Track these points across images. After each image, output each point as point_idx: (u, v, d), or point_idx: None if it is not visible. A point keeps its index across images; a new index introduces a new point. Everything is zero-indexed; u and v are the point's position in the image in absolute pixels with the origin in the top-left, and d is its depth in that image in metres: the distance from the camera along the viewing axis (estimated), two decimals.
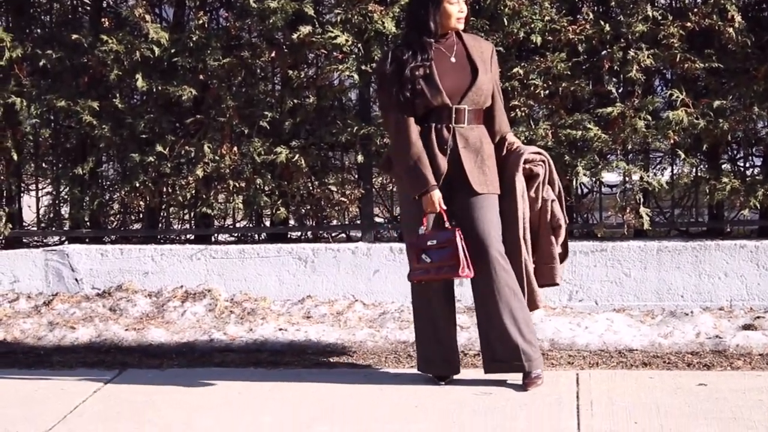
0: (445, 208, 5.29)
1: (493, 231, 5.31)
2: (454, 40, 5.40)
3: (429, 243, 5.28)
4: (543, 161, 5.49)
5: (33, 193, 8.05)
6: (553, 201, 5.51)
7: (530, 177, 5.46)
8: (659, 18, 6.95)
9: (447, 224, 5.28)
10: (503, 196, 5.41)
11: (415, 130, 5.30)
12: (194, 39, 7.39)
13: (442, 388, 5.46)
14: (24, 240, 8.08)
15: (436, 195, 5.26)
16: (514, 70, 7.04)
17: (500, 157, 5.48)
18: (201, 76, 7.42)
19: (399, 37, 7.17)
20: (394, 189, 7.65)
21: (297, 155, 7.33)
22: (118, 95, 7.57)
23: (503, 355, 5.37)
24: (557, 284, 5.63)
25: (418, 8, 5.37)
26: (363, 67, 7.26)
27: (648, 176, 7.10)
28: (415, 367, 5.75)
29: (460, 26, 5.40)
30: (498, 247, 5.30)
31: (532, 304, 5.48)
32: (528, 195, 5.46)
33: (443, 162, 5.31)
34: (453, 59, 5.36)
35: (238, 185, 7.45)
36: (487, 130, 5.46)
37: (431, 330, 5.54)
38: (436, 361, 5.59)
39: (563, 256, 5.62)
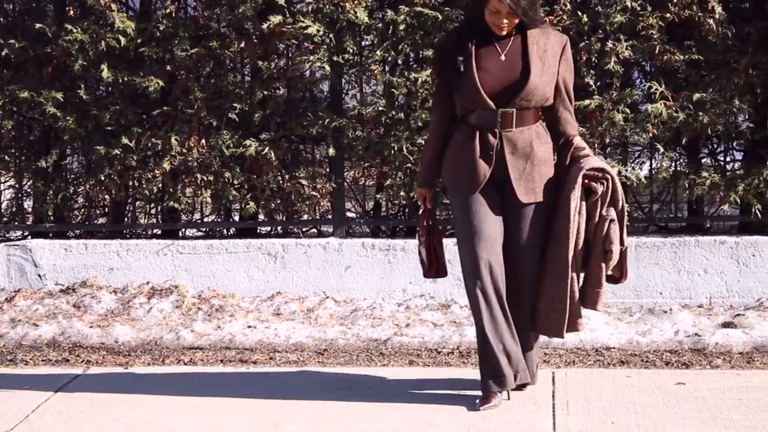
0: (429, 207, 5.23)
1: (531, 247, 5.04)
2: (511, 36, 4.96)
3: (421, 238, 5.28)
4: (605, 179, 5.02)
5: None
6: (611, 221, 5.03)
7: (587, 192, 5.03)
8: (638, 9, 6.89)
9: (424, 222, 5.23)
10: (558, 210, 5.02)
11: (438, 126, 5.10)
12: (161, 28, 7.29)
13: (414, 389, 5.37)
14: None
15: (424, 193, 5.20)
16: None
17: (563, 162, 5.09)
18: (168, 67, 7.32)
19: (372, 28, 7.11)
20: (367, 183, 7.60)
21: (267, 148, 7.24)
22: (83, 86, 7.46)
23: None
24: (598, 311, 5.29)
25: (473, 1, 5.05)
26: (335, 58, 7.17)
27: (626, 170, 7.04)
28: (388, 366, 5.66)
29: (500, 33, 4.92)
30: (532, 266, 5.05)
31: (574, 326, 5.08)
32: (586, 210, 5.03)
33: (484, 170, 4.95)
34: (503, 57, 4.94)
35: (206, 179, 7.36)
36: (551, 131, 5.10)
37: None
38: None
39: (616, 279, 5.17)
